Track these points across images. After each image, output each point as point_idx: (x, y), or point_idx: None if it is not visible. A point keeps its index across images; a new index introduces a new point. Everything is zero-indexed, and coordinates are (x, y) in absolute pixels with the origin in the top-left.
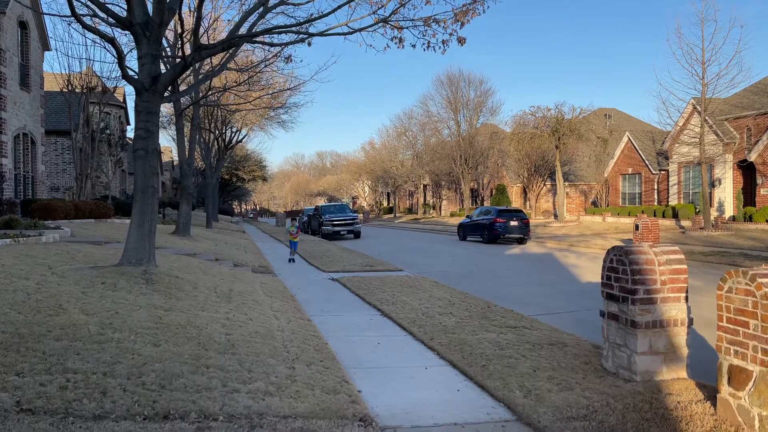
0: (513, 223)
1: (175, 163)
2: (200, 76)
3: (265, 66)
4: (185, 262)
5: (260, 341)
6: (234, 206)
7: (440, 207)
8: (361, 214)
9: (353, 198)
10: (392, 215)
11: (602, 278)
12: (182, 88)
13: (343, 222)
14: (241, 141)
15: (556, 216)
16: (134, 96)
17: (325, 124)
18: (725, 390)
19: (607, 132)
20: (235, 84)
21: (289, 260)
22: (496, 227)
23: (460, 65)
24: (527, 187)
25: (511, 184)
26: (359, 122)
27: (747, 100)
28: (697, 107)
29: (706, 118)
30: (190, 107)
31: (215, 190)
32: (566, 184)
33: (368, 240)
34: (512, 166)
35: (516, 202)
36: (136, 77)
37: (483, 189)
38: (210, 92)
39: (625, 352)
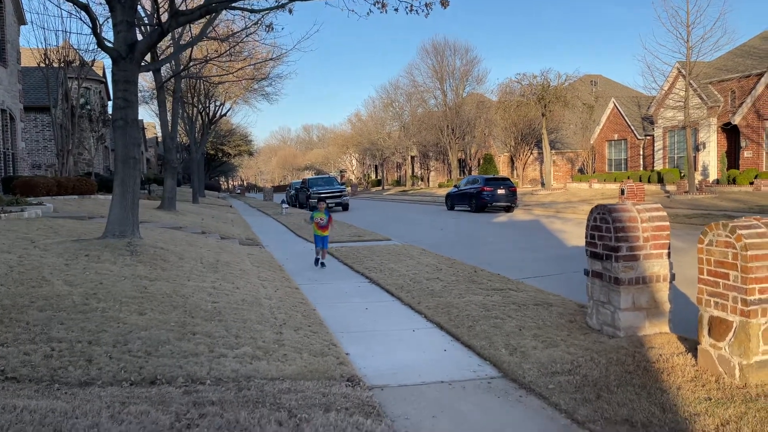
0: (500, 191)
1: (159, 139)
2: (180, 45)
3: (247, 36)
4: (170, 236)
5: (247, 308)
6: (221, 182)
7: (428, 178)
8: (349, 187)
9: (341, 171)
10: (380, 188)
11: (586, 237)
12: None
13: (330, 194)
14: (225, 115)
15: (543, 184)
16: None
17: (310, 97)
18: (706, 341)
19: (593, 98)
20: (216, 55)
21: (317, 262)
22: (483, 196)
23: (446, 34)
24: (514, 156)
25: (498, 153)
26: (345, 95)
27: (731, 63)
28: (682, 71)
29: (691, 81)
30: (172, 80)
31: (200, 165)
32: (553, 152)
33: (356, 212)
34: (499, 136)
35: (503, 172)
36: (112, 46)
37: (470, 159)
38: (191, 63)
39: (609, 309)
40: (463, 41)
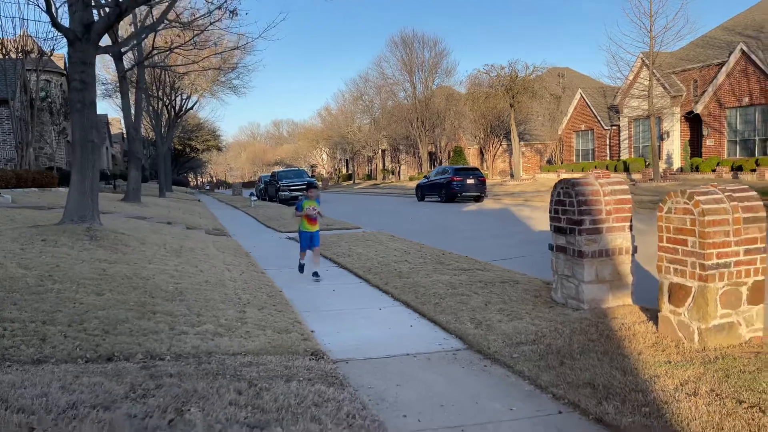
0: (469, 181)
1: (125, 135)
2: (142, 27)
3: (211, 23)
4: (134, 224)
5: (210, 289)
6: (189, 178)
7: (399, 172)
8: (320, 182)
9: (312, 166)
10: (351, 182)
11: (550, 212)
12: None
13: (300, 187)
14: (192, 108)
15: (512, 175)
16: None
17: (280, 92)
18: (666, 308)
19: (561, 89)
20: (180, 42)
21: (303, 268)
22: (453, 186)
23: (414, 26)
24: (484, 148)
25: (468, 145)
26: (315, 88)
27: (693, 53)
28: (646, 61)
29: (654, 71)
30: (135, 69)
31: (167, 158)
32: (522, 143)
33: (327, 205)
34: (468, 128)
35: (473, 164)
36: (68, 27)
37: (441, 152)
38: (154, 52)
39: (573, 282)
40: (432, 33)
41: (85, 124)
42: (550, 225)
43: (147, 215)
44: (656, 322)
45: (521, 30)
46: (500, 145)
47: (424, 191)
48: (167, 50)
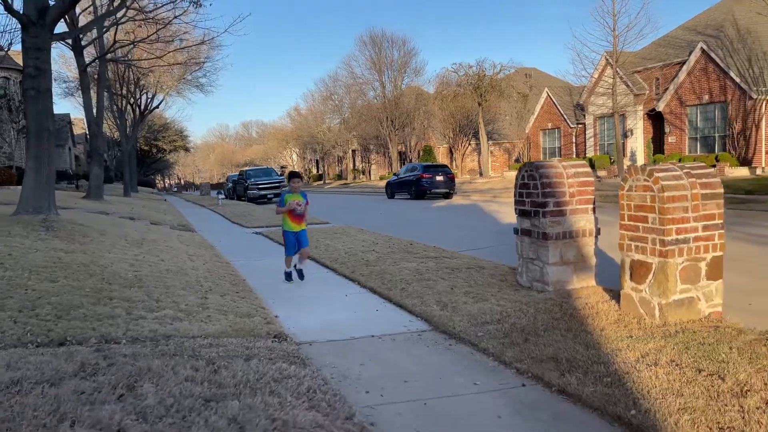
0: (439, 178)
1: (87, 130)
2: (102, 14)
3: (175, 17)
4: (95, 218)
5: (171, 277)
6: (156, 180)
7: (370, 171)
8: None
9: (282, 167)
10: (322, 182)
11: (515, 195)
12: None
13: (269, 185)
14: (157, 107)
15: (481, 173)
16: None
17: (249, 93)
18: (628, 285)
19: (528, 88)
20: (145, 36)
21: (290, 276)
22: (422, 183)
23: (383, 26)
24: (453, 148)
25: (438, 144)
26: (284, 89)
27: (655, 52)
28: (610, 60)
29: (618, 69)
30: (95, 62)
31: (132, 157)
32: (490, 143)
33: None
34: (438, 127)
35: (443, 163)
36: (22, 12)
37: (411, 151)
38: (116, 44)
39: (538, 264)
40: (401, 33)
41: (40, 111)
42: (515, 209)
43: (109, 211)
44: (619, 301)
45: (489, 31)
46: (469, 144)
47: (393, 189)
48: (130, 44)
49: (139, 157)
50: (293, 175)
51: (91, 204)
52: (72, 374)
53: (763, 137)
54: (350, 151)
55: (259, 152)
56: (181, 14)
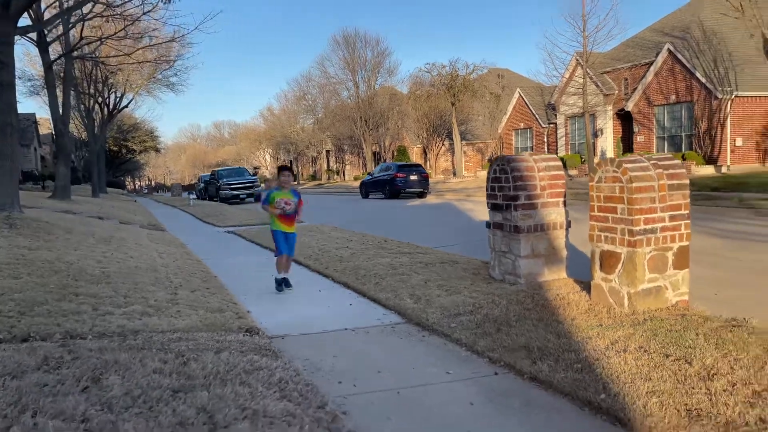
0: (413, 177)
1: (53, 129)
2: (68, 8)
3: (144, 13)
4: (61, 216)
5: (140, 274)
6: (126, 182)
7: (344, 172)
8: (263, 183)
9: (255, 168)
10: (295, 182)
11: (487, 189)
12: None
13: (242, 185)
14: (126, 106)
15: (454, 173)
16: None
17: (221, 93)
18: (598, 276)
19: (500, 89)
20: (112, 31)
21: (281, 284)
22: (396, 182)
23: (356, 25)
24: (427, 148)
25: (412, 145)
26: (256, 89)
27: (624, 53)
28: (580, 60)
29: (588, 70)
30: (61, 59)
31: (101, 156)
32: (464, 143)
33: None
34: (412, 127)
35: (417, 162)
36: None
37: (385, 151)
38: (83, 40)
39: (510, 257)
40: (374, 33)
41: (2, 106)
42: (487, 203)
43: (77, 210)
44: (589, 292)
45: (462, 32)
46: (443, 144)
47: (368, 188)
48: (97, 40)
49: (108, 158)
50: (283, 168)
51: (58, 204)
52: (35, 367)
53: (728, 137)
54: (324, 152)
55: (231, 153)
56: (150, 10)
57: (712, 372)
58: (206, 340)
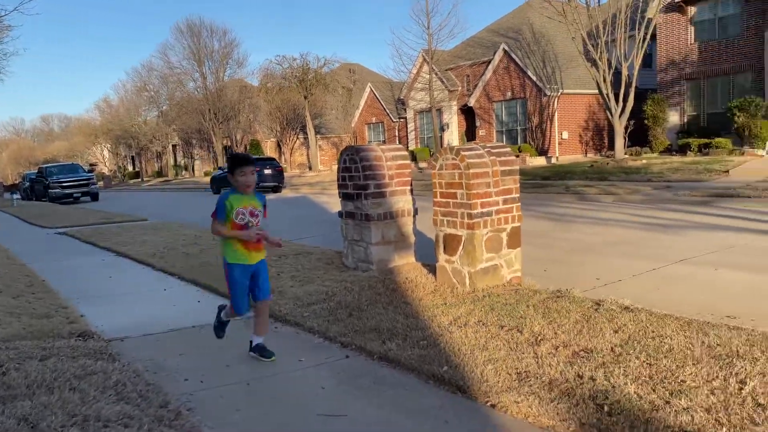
0: (267, 171)
1: None
2: None
3: None
4: None
5: None
6: None
7: (193, 167)
8: (101, 181)
9: (92, 165)
10: (139, 180)
11: (338, 180)
12: None
13: (76, 183)
14: None
15: (310, 167)
16: None
17: (49, 84)
18: (442, 258)
19: (352, 83)
20: None
21: (220, 327)
22: None
23: (201, 13)
24: (281, 142)
25: (265, 139)
26: (90, 79)
27: (465, 52)
28: (426, 57)
29: (433, 66)
30: None
31: None
32: (318, 137)
33: (110, 201)
34: (264, 121)
35: (271, 156)
36: None
37: (237, 145)
38: None
39: (362, 245)
40: (221, 23)
41: None
42: (339, 192)
43: None
44: (435, 274)
45: (313, 27)
46: (297, 138)
47: (219, 184)
48: None
49: None
50: (241, 161)
51: None
52: None
53: (556, 130)
54: (170, 146)
55: (63, 148)
56: None
57: (540, 338)
58: (31, 348)
